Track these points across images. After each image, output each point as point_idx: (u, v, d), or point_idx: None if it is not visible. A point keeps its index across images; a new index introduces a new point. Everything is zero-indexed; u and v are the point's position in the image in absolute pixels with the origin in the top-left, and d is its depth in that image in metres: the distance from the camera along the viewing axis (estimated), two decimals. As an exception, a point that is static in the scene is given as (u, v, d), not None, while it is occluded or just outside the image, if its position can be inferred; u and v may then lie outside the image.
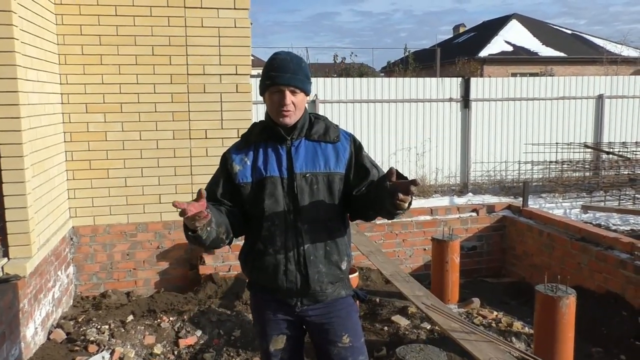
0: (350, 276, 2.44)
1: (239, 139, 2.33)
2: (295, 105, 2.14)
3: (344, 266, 2.26)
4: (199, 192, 1.91)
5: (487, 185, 9.78)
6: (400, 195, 1.87)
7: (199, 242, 2.03)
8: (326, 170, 2.19)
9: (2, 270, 3.58)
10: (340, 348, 2.28)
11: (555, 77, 10.57)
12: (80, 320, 4.48)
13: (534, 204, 7.64)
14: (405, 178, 1.96)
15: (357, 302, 2.41)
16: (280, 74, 2.11)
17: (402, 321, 4.48)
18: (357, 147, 2.26)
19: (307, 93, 2.19)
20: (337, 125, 2.30)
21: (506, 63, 24.01)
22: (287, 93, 2.12)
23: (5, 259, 3.71)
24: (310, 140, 2.22)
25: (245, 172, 2.21)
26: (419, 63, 22.34)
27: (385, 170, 2.06)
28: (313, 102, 8.77)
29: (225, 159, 2.27)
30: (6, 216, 3.72)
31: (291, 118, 2.15)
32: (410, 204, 1.95)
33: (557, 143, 10.03)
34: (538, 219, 5.89)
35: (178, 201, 1.82)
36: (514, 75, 18.29)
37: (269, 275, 2.21)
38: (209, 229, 1.99)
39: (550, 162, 9.81)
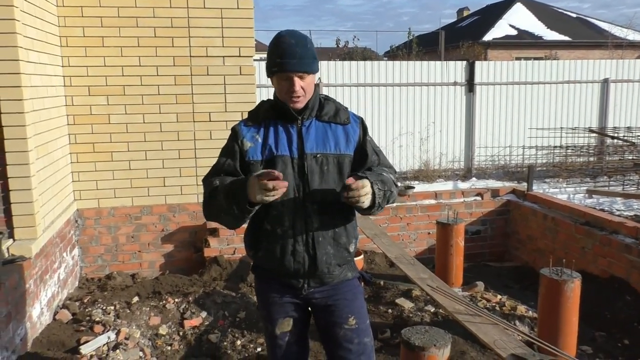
0: (355, 259, 2.43)
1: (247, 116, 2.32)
2: (304, 89, 2.11)
3: (351, 248, 2.27)
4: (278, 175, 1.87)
5: (490, 170, 9.75)
6: (345, 193, 1.98)
7: (247, 216, 2.03)
8: (337, 152, 2.18)
9: (8, 252, 3.59)
10: (346, 330, 2.28)
11: (561, 61, 10.48)
12: (85, 301, 4.50)
13: (538, 188, 7.61)
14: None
15: (363, 284, 2.42)
16: (287, 60, 2.06)
17: (406, 304, 4.49)
18: (363, 130, 2.26)
19: (315, 72, 2.16)
20: (346, 108, 2.30)
21: (510, 47, 23.81)
22: (296, 79, 2.08)
23: (11, 241, 3.72)
24: (320, 121, 2.20)
25: (256, 150, 2.17)
26: (423, 47, 22.16)
27: (389, 158, 2.11)
28: (317, 86, 8.70)
29: (236, 133, 2.21)
30: (11, 198, 3.73)
31: (301, 102, 2.14)
32: (367, 199, 2.01)
33: (561, 128, 9.98)
34: (542, 203, 5.88)
35: (278, 173, 1.88)
36: (518, 59, 18.13)
37: (276, 257, 2.18)
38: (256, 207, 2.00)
39: (555, 147, 9.76)
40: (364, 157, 2.22)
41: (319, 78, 8.80)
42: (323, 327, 2.35)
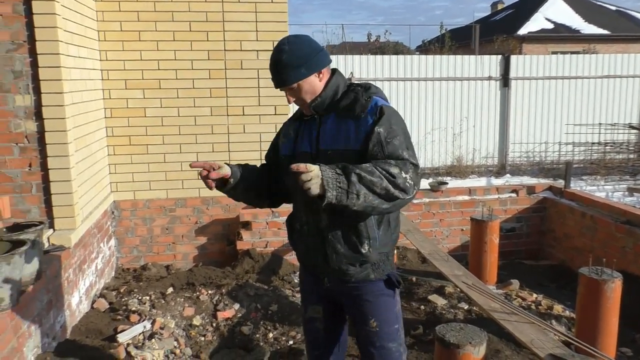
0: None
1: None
2: (299, 97, 2.14)
3: (364, 249, 2.14)
4: (218, 165, 2.14)
5: (525, 167, 9.54)
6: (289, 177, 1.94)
7: (230, 195, 2.28)
8: (346, 148, 2.10)
9: (49, 241, 3.68)
10: (368, 331, 2.26)
11: (600, 55, 10.16)
12: (122, 291, 4.59)
13: (575, 186, 7.41)
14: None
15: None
16: (274, 77, 2.13)
17: (439, 300, 4.44)
18: (376, 120, 2.06)
19: (305, 77, 2.09)
20: (370, 97, 2.13)
21: (546, 41, 23.25)
22: (287, 91, 2.13)
23: (51, 231, 3.81)
24: (338, 116, 2.16)
25: (286, 145, 2.28)
26: (455, 42, 21.83)
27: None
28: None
29: (280, 128, 2.38)
30: (51, 189, 3.82)
31: (305, 107, 2.19)
32: (314, 185, 1.82)
33: (600, 124, 9.69)
34: (580, 200, 5.73)
35: (196, 163, 2.10)
36: (554, 53, 17.69)
37: (299, 250, 2.35)
38: (232, 192, 2.23)
39: (593, 143, 9.50)
40: (366, 149, 2.04)
41: (351, 72, 8.76)
42: (352, 324, 2.38)
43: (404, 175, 1.95)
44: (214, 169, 2.11)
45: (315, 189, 1.82)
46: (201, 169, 2.10)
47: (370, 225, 2.14)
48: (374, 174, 1.90)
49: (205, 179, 2.10)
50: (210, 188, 2.15)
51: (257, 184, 2.27)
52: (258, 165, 2.39)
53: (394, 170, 1.94)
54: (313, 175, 1.82)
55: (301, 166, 1.82)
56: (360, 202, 1.88)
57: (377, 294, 2.24)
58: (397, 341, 2.28)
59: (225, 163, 2.21)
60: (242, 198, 2.31)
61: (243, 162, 2.35)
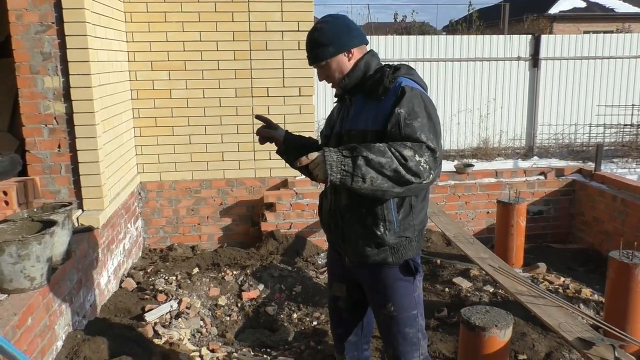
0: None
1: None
2: (329, 75, 2.22)
3: (380, 231, 2.13)
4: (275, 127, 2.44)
5: (554, 149, 9.37)
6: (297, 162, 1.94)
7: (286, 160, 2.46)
8: (365, 128, 2.12)
9: (78, 222, 3.75)
10: (385, 315, 2.26)
11: (635, 34, 9.84)
12: (149, 271, 4.67)
13: (605, 168, 7.24)
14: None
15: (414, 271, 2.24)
16: (307, 55, 2.24)
17: (464, 283, 4.41)
18: (396, 101, 2.03)
19: (333, 55, 2.17)
20: (395, 78, 2.12)
21: (578, 20, 22.58)
22: (318, 70, 2.25)
23: (80, 211, 3.88)
24: (365, 97, 2.19)
25: (327, 124, 2.40)
26: (483, 21, 21.37)
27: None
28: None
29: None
30: (80, 170, 3.87)
31: (335, 84, 2.26)
32: (319, 171, 1.88)
33: (632, 105, 9.43)
34: (611, 183, 5.59)
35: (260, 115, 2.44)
36: (586, 33, 17.19)
37: (323, 226, 2.42)
38: (285, 157, 2.45)
39: (625, 125, 9.26)
40: (385, 130, 2.03)
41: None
42: (371, 307, 2.41)
43: (417, 158, 1.90)
44: (271, 128, 2.41)
45: (322, 174, 1.88)
46: (261, 122, 2.41)
47: (389, 208, 2.12)
48: (385, 154, 1.87)
49: (257, 133, 2.43)
50: (260, 143, 2.46)
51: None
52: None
53: (407, 153, 1.89)
54: (317, 162, 1.88)
55: (302, 159, 1.89)
56: (366, 185, 1.87)
57: (394, 278, 2.22)
58: (415, 327, 2.25)
59: (286, 130, 2.47)
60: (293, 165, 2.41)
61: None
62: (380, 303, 2.26)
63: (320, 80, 2.28)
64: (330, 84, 2.27)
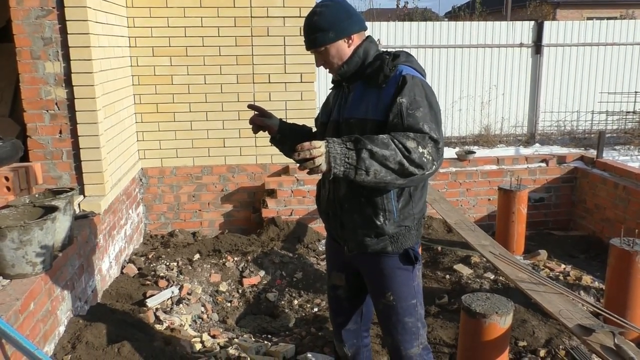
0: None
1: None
2: (327, 61, 2.16)
3: (379, 221, 2.11)
4: (269, 115, 2.40)
5: (555, 136, 9.32)
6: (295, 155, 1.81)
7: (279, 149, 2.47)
8: (364, 116, 2.08)
9: (79, 207, 3.76)
10: (384, 304, 2.26)
11: (638, 20, 9.75)
12: (150, 256, 4.68)
13: (607, 155, 7.22)
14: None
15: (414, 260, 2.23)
16: (304, 39, 2.17)
17: (465, 270, 4.42)
18: (398, 90, 2.01)
19: (333, 41, 2.11)
20: (395, 66, 2.08)
21: (582, 6, 22.39)
22: (316, 55, 2.18)
23: (81, 197, 3.88)
24: (364, 84, 2.16)
25: (322, 112, 2.35)
26: (486, 7, 21.20)
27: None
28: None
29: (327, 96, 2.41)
30: (81, 156, 3.87)
31: (333, 70, 2.20)
32: (321, 162, 1.78)
33: (635, 92, 9.37)
34: (613, 171, 5.59)
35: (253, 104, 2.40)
36: (589, 19, 17.06)
37: (322, 215, 2.40)
38: (280, 147, 2.45)
39: (628, 112, 9.21)
40: (386, 120, 2.00)
41: (379, 39, 8.59)
42: (370, 296, 2.40)
43: (420, 150, 1.88)
44: (265, 116, 2.38)
45: (324, 165, 1.79)
46: (255, 111, 2.38)
47: (389, 197, 2.11)
48: (389, 146, 1.84)
49: (251, 121, 2.37)
50: (254, 132, 2.40)
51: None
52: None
53: (411, 145, 1.87)
54: (319, 153, 1.77)
55: (305, 144, 1.77)
56: (370, 178, 1.85)
57: (394, 267, 2.21)
58: (414, 316, 2.25)
59: (280, 119, 2.44)
60: (285, 152, 2.43)
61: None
62: (379, 292, 2.26)
63: (318, 66, 2.21)
64: (328, 69, 2.21)
